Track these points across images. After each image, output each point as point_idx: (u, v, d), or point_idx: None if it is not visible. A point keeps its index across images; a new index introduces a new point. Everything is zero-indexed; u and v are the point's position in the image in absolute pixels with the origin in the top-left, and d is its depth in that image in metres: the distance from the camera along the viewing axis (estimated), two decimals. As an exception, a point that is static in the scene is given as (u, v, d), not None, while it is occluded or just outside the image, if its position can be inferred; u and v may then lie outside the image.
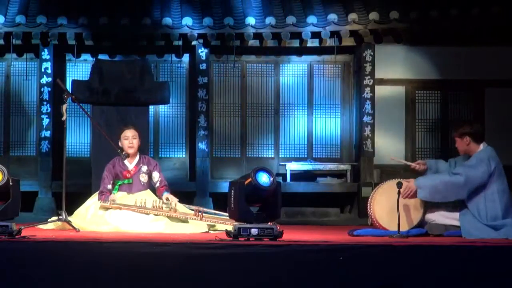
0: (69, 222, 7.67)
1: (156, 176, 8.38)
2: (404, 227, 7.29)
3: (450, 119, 12.67)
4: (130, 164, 8.36)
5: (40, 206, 11.88)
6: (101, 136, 8.97)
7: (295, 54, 12.76)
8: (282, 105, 12.83)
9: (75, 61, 12.49)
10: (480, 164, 7.34)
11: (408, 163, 7.88)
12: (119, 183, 8.31)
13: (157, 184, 8.36)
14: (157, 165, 8.45)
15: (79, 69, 12.57)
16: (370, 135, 12.36)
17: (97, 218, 7.94)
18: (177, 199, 8.21)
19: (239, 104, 12.79)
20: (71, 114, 11.90)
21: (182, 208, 8.19)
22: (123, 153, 8.29)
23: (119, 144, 8.36)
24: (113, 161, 8.38)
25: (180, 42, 12.13)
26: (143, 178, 8.36)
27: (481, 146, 7.48)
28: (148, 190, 8.35)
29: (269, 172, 6.45)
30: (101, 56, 12.24)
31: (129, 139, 8.31)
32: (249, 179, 6.39)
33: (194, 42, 12.21)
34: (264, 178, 6.41)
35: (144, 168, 8.37)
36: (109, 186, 8.24)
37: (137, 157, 8.42)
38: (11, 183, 6.61)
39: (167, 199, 8.13)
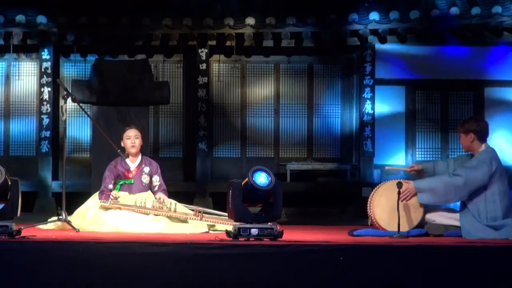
0: (69, 222, 7.67)
1: (156, 179, 8.38)
2: (404, 228, 7.29)
3: (450, 119, 12.66)
4: (132, 164, 8.35)
5: (40, 206, 11.87)
6: (101, 136, 8.96)
7: (295, 54, 12.77)
8: (282, 105, 12.83)
9: (75, 61, 12.49)
10: (481, 165, 7.33)
11: (403, 169, 7.86)
12: (120, 183, 8.30)
13: (156, 188, 8.35)
14: (158, 168, 8.43)
15: (79, 69, 12.57)
16: (370, 135, 12.35)
17: (97, 218, 7.93)
18: (171, 200, 8.19)
19: (239, 104, 12.79)
20: (71, 114, 11.90)
21: (182, 208, 8.19)
22: (124, 153, 8.28)
23: (121, 144, 8.35)
24: (116, 160, 8.37)
25: (180, 42, 12.14)
26: (145, 179, 8.35)
27: (483, 146, 7.46)
28: (149, 191, 8.35)
29: (268, 172, 6.44)
30: (101, 56, 12.24)
31: (131, 138, 8.30)
32: (246, 179, 6.39)
33: (193, 42, 12.21)
34: (261, 179, 6.40)
35: (146, 169, 8.36)
36: (110, 186, 8.23)
37: (139, 157, 8.42)
38: (9, 183, 6.61)
39: (159, 198, 8.11)
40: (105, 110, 10.55)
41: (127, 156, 8.32)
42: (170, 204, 8.08)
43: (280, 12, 12.26)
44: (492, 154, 7.42)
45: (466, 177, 7.28)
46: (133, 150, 8.31)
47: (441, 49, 12.62)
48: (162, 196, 8.18)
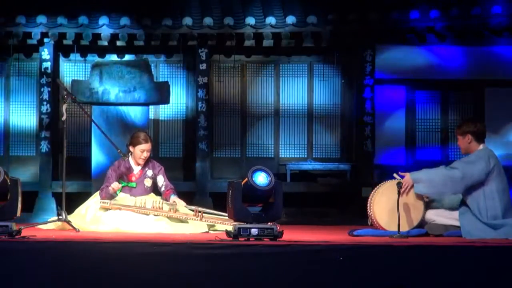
0: (69, 222, 7.67)
1: (160, 180, 8.34)
2: (404, 228, 7.29)
3: (450, 119, 12.66)
4: (136, 167, 8.33)
5: (40, 206, 11.88)
6: (101, 136, 8.96)
7: (295, 54, 12.76)
8: (282, 105, 12.83)
9: (75, 61, 12.49)
10: (479, 161, 7.34)
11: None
12: (123, 185, 8.28)
13: (162, 188, 8.32)
14: (162, 169, 8.40)
15: (79, 69, 12.57)
16: (370, 135, 12.35)
17: (97, 219, 7.93)
18: (184, 203, 8.19)
19: (239, 104, 12.79)
20: (71, 114, 11.89)
21: (182, 208, 8.18)
22: (124, 154, 8.25)
23: (130, 149, 8.28)
24: (119, 161, 8.33)
25: (180, 42, 12.14)
26: (148, 182, 8.33)
27: (481, 146, 7.48)
28: (151, 193, 8.34)
29: (267, 172, 6.44)
30: (101, 56, 12.24)
31: (144, 152, 8.23)
32: (246, 179, 6.39)
33: (193, 42, 12.22)
34: (261, 179, 6.40)
35: (150, 173, 8.34)
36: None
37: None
38: (9, 183, 6.60)
39: (174, 202, 8.10)
40: (105, 110, 10.57)
41: (127, 157, 8.30)
42: (171, 204, 8.07)
43: (280, 12, 12.27)
44: (491, 153, 7.44)
45: (463, 171, 7.30)
46: (141, 162, 8.28)
47: (441, 49, 12.63)
48: (176, 199, 8.15)
